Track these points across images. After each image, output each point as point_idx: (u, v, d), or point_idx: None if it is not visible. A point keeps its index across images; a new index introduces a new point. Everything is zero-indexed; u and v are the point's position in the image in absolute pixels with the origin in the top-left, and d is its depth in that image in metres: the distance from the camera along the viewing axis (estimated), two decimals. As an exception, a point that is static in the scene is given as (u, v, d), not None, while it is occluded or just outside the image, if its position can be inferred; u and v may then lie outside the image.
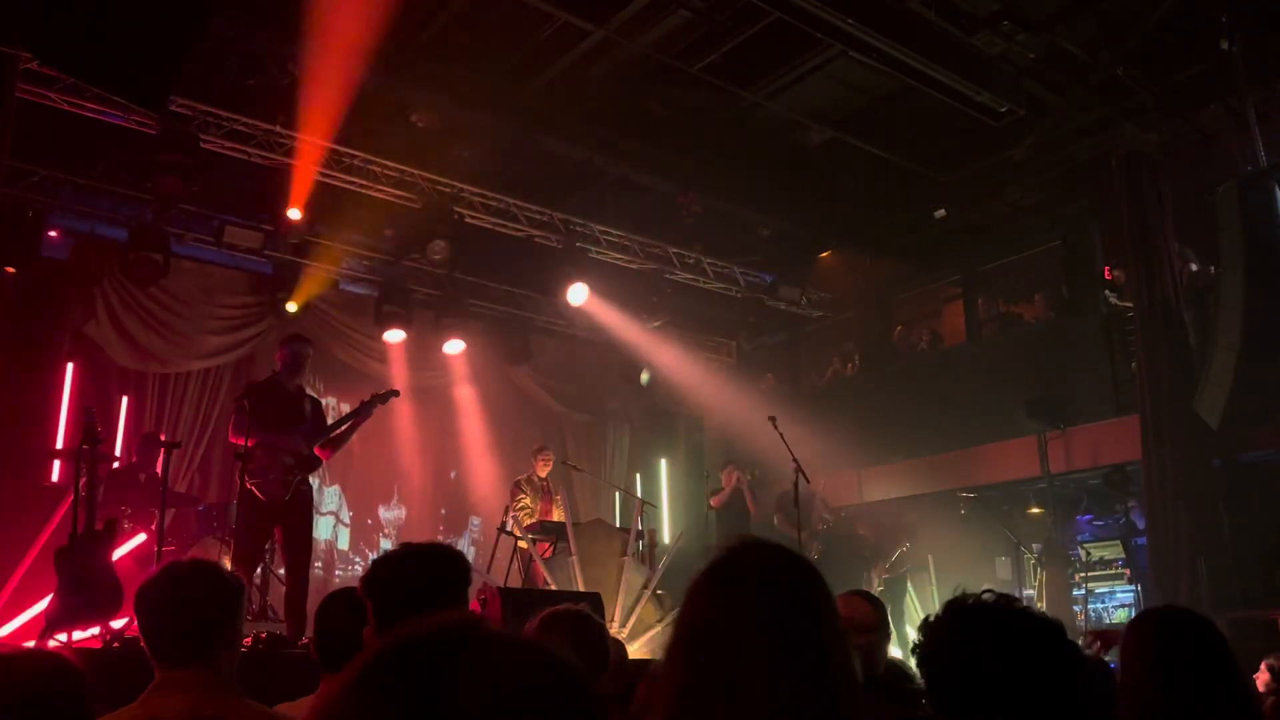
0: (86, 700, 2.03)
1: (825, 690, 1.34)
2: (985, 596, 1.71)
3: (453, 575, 2.30)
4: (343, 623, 2.79)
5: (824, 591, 1.42)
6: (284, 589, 6.53)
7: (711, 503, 11.19)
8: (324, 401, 7.63)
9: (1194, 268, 9.65)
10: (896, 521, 10.66)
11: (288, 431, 6.28)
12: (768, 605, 1.36)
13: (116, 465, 8.02)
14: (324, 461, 6.67)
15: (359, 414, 6.67)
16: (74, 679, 2.04)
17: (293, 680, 3.16)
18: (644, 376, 12.25)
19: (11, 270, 8.45)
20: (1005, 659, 1.60)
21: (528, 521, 9.04)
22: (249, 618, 6.51)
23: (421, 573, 2.26)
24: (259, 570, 6.92)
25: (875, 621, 3.58)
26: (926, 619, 1.75)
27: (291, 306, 9.82)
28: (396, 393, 7.07)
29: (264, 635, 5.89)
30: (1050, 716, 1.57)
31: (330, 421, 6.79)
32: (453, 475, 11.63)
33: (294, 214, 9.09)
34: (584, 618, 2.87)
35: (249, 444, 6.09)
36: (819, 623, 1.38)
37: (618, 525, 10.27)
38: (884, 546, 10.35)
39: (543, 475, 9.49)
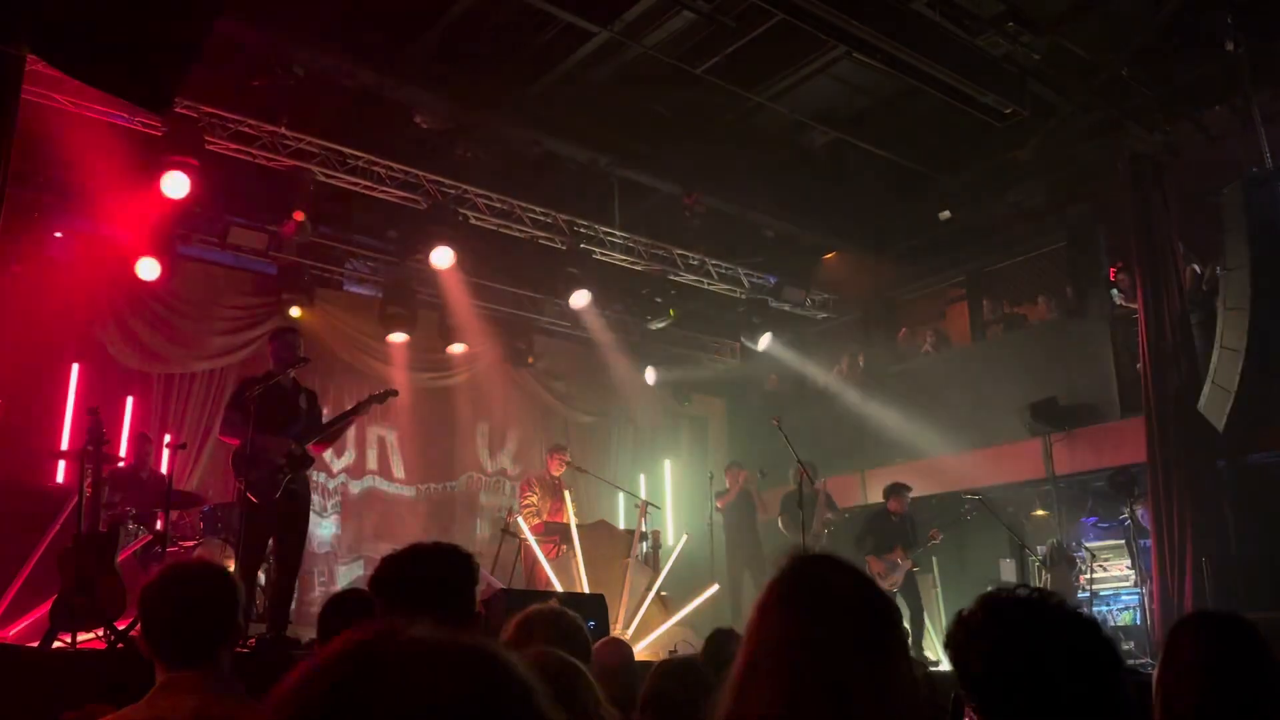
0: None
1: (903, 696, 1.45)
2: (1020, 591, 1.70)
3: (460, 574, 2.30)
4: (346, 625, 2.79)
5: (892, 605, 1.56)
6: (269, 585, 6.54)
7: (718, 504, 11.19)
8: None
9: (1199, 269, 9.64)
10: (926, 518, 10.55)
11: (278, 431, 6.26)
12: (854, 622, 1.47)
13: (121, 466, 8.03)
14: (315, 458, 6.64)
15: (355, 412, 6.66)
16: None
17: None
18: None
19: (18, 269, 8.46)
20: (1041, 653, 1.59)
21: (533, 522, 9.02)
22: (254, 619, 6.51)
23: (429, 572, 2.26)
24: (262, 571, 6.92)
25: None
26: (960, 613, 1.73)
27: (295, 311, 9.82)
28: (395, 392, 7.04)
29: (269, 636, 5.90)
30: (1087, 715, 1.56)
31: (328, 416, 6.78)
32: (457, 477, 11.62)
33: (298, 217, 9.09)
34: (559, 614, 2.86)
35: (241, 444, 6.09)
36: (893, 634, 1.51)
37: (622, 527, 10.27)
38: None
39: (556, 474, 9.48)
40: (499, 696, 0.75)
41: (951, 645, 1.70)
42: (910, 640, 9.08)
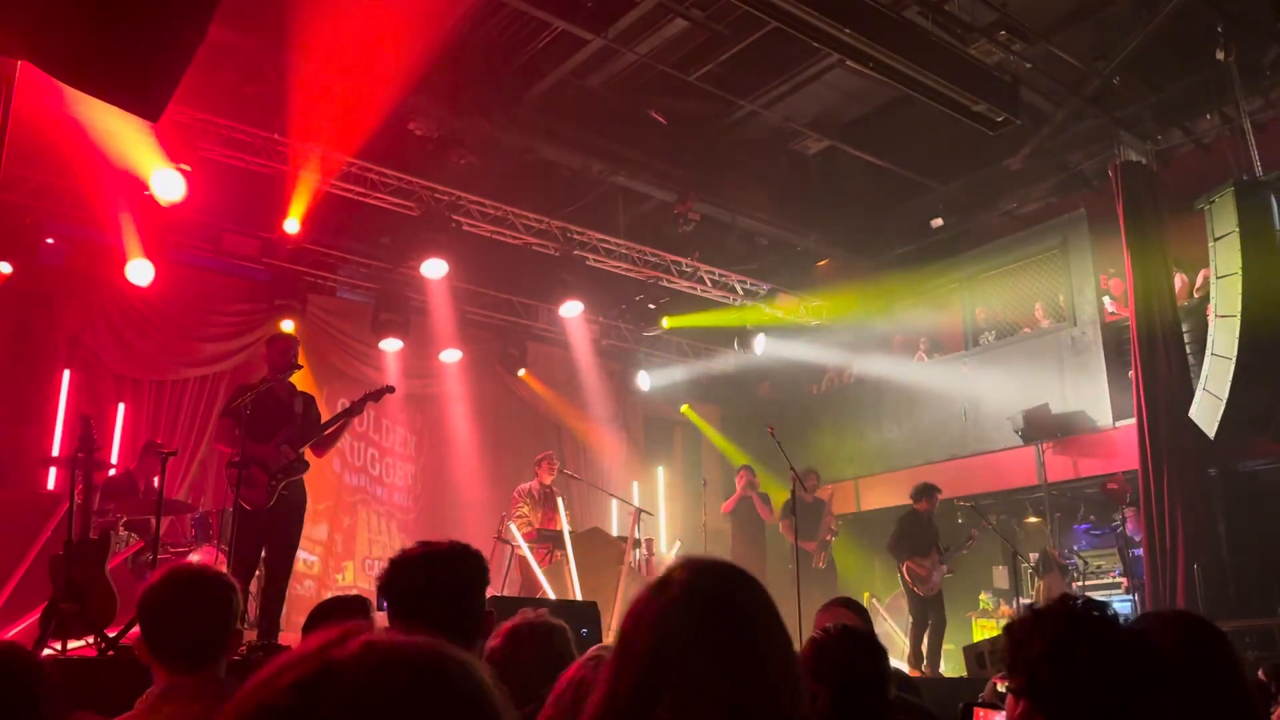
0: (39, 692, 2.01)
1: (762, 699, 1.37)
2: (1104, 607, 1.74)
3: (472, 576, 2.28)
4: None
5: (753, 601, 1.46)
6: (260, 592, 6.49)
7: (722, 508, 11.20)
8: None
9: (1190, 276, 9.69)
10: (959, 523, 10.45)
11: (271, 438, 6.24)
12: (695, 618, 1.41)
13: (113, 473, 7.99)
14: (309, 463, 6.59)
15: (351, 412, 6.62)
16: (30, 668, 2.02)
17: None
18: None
19: (8, 272, 8.42)
20: (1102, 653, 1.64)
21: (525, 530, 9.00)
22: (244, 625, 6.48)
23: (440, 574, 2.23)
24: (255, 578, 6.88)
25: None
26: (1032, 604, 1.77)
27: (288, 325, 9.82)
28: (391, 388, 7.00)
29: (260, 644, 5.88)
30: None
31: (325, 419, 6.75)
32: (450, 483, 11.60)
33: (292, 225, 9.08)
34: (548, 627, 2.84)
35: (234, 453, 6.06)
36: (749, 632, 1.42)
37: (615, 534, 10.25)
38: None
39: (546, 482, 9.43)
40: (450, 697, 0.77)
41: (1013, 629, 1.74)
42: (928, 654, 9.09)
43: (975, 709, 2.37)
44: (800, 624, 7.48)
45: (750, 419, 12.67)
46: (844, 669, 2.44)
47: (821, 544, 10.29)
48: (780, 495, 11.01)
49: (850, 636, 2.55)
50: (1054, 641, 1.67)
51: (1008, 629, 1.77)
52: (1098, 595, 9.49)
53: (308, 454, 6.42)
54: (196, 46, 4.49)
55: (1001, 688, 1.77)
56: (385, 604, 2.26)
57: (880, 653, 2.56)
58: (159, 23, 4.45)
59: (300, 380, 6.83)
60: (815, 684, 2.44)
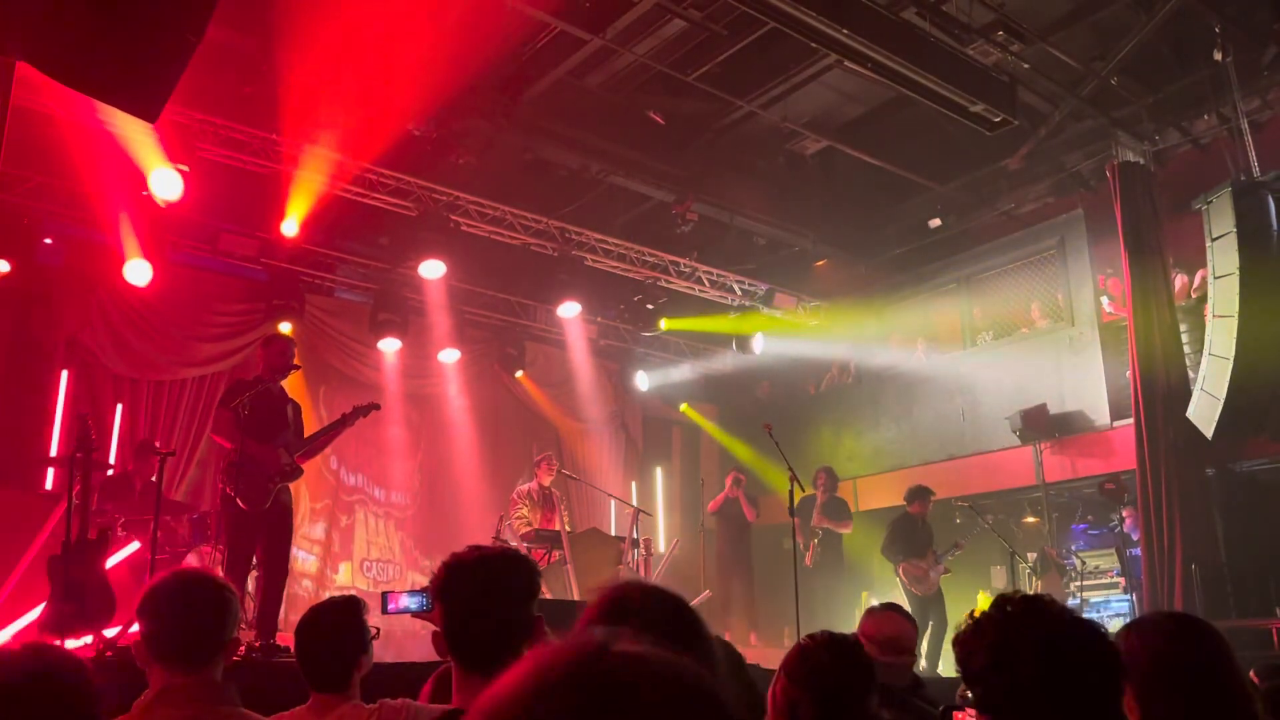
0: (94, 698, 2.02)
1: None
2: (1025, 593, 1.76)
3: (527, 582, 2.29)
4: (324, 637, 2.80)
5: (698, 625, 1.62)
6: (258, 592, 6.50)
7: (709, 506, 11.20)
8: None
9: (1187, 276, 9.70)
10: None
11: (270, 439, 6.23)
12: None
13: (111, 473, 7.98)
14: (303, 470, 6.59)
15: (338, 425, 6.61)
16: (85, 676, 2.03)
17: (285, 690, 3.15)
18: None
19: (6, 271, 8.41)
20: (1044, 648, 1.64)
21: (523, 530, 9.00)
22: (241, 626, 6.47)
23: (496, 578, 2.23)
24: (249, 578, 6.88)
25: (915, 642, 3.61)
26: (971, 613, 1.78)
27: (285, 326, 9.82)
28: (377, 406, 6.99)
29: (257, 644, 5.88)
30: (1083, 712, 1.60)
31: (318, 421, 6.76)
32: (449, 484, 11.59)
33: (290, 227, 9.06)
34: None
35: (233, 450, 6.05)
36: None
37: (613, 534, 10.26)
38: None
39: (546, 483, 9.42)
40: (721, 710, 0.77)
41: (958, 642, 1.75)
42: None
43: (954, 712, 2.37)
44: (798, 622, 7.50)
45: (749, 419, 12.67)
46: (825, 676, 2.42)
47: (806, 541, 10.25)
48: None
49: (834, 644, 2.52)
50: (994, 650, 1.66)
51: (955, 640, 1.77)
52: (1096, 595, 9.51)
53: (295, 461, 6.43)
54: (195, 47, 4.49)
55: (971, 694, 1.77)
56: (437, 605, 2.25)
57: (864, 661, 2.52)
58: (157, 23, 4.45)
59: (294, 381, 6.83)
60: (797, 691, 2.43)
